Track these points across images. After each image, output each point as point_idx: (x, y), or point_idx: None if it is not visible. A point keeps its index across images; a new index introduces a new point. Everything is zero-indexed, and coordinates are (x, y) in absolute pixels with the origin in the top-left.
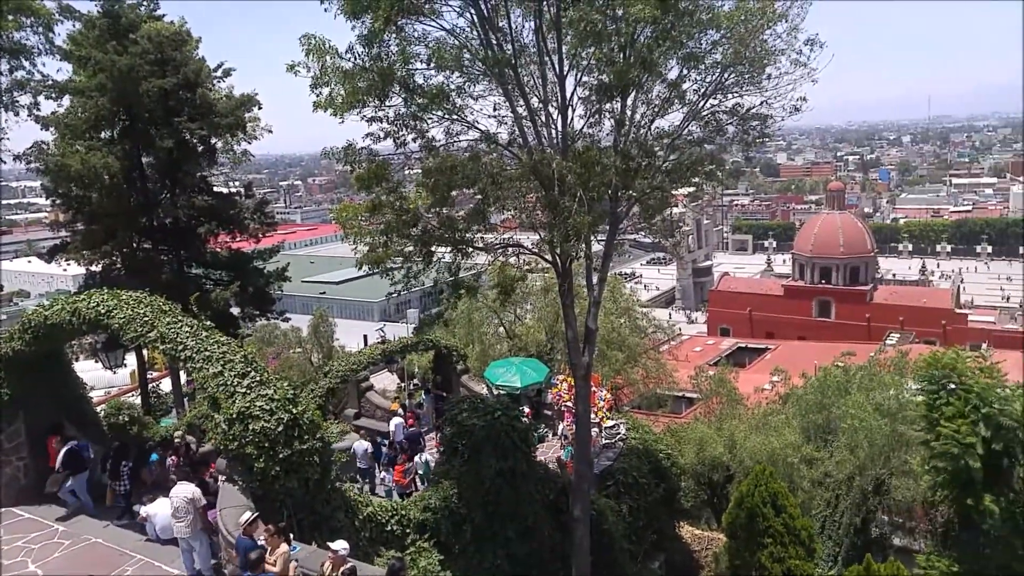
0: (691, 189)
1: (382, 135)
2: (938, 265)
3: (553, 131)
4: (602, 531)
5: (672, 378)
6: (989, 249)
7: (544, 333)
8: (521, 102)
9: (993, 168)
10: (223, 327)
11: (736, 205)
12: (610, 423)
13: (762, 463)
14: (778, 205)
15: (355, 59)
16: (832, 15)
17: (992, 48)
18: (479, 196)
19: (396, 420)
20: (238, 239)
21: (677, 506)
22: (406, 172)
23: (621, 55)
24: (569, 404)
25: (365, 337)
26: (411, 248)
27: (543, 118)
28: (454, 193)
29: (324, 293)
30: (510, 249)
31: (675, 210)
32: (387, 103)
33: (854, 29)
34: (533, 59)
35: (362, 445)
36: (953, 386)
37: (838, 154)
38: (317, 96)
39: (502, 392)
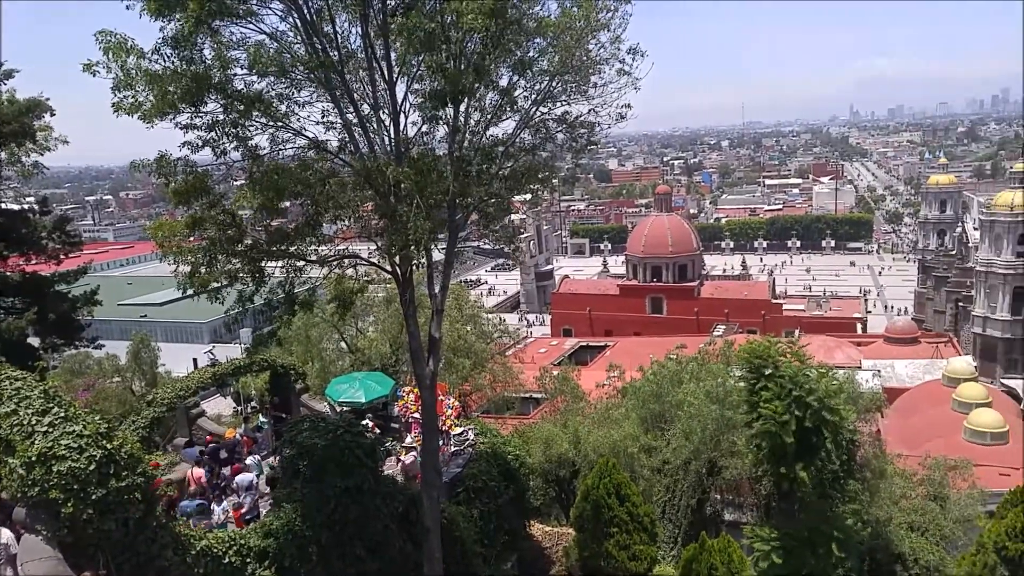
0: (528, 196)
1: (200, 144)
2: (761, 259)
3: (386, 138)
4: (453, 538)
5: (519, 381)
6: (798, 244)
7: (388, 345)
8: (350, 108)
9: (798, 170)
10: (18, 360)
11: (573, 210)
12: (458, 430)
13: (605, 456)
14: (611, 209)
15: (165, 61)
16: (646, 26)
17: (796, 62)
18: (310, 206)
19: (244, 476)
20: (34, 261)
21: (527, 506)
22: (231, 184)
23: (452, 62)
24: (417, 415)
25: (195, 361)
26: (238, 265)
27: (375, 125)
28: (285, 204)
29: (145, 316)
30: (347, 260)
31: (514, 216)
32: (203, 109)
33: (674, 39)
34: (362, 65)
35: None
36: (769, 371)
37: (665, 159)
38: (120, 100)
39: (346, 409)
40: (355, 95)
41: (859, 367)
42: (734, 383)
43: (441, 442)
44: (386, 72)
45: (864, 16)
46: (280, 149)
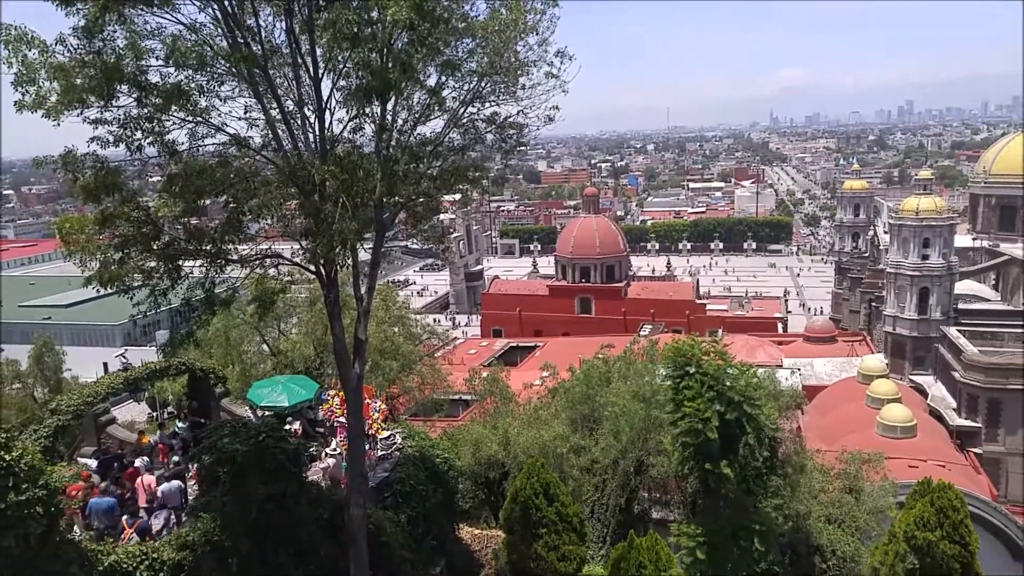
0: (458, 195)
1: (111, 139)
2: (688, 261)
3: (311, 135)
4: (381, 543)
5: (448, 382)
6: (721, 245)
7: (312, 347)
8: (274, 104)
9: (721, 173)
10: None
11: (503, 211)
12: (385, 434)
13: (534, 456)
14: (541, 210)
15: (71, 52)
16: (574, 28)
17: (719, 67)
18: (232, 204)
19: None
20: None
21: (456, 509)
22: (147, 180)
23: (379, 59)
24: (342, 419)
25: (105, 365)
26: (154, 263)
27: (299, 121)
28: (205, 201)
29: (49, 318)
30: (269, 260)
31: (444, 216)
32: (115, 103)
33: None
34: (286, 60)
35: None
36: (693, 369)
37: (592, 161)
38: (23, 95)
39: (268, 413)
40: (279, 91)
41: (780, 365)
42: (660, 382)
43: (368, 446)
44: (311, 68)
45: (786, 24)
46: (200, 145)
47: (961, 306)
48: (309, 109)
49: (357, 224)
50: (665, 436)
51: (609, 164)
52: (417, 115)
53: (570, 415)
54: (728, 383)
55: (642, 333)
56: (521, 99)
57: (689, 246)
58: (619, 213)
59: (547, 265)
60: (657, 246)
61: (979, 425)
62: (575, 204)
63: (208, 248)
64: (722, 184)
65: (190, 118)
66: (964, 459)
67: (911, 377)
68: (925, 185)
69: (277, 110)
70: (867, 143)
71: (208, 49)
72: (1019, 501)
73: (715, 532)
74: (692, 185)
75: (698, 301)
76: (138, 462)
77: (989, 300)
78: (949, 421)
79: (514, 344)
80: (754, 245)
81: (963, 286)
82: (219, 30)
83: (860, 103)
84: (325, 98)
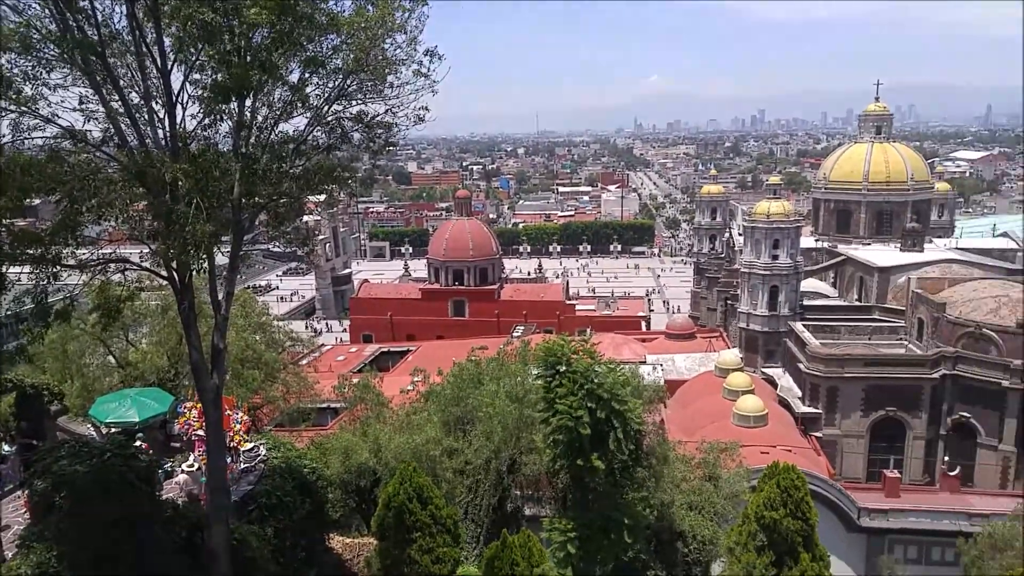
0: (323, 196)
1: None
2: (561, 263)
3: (160, 131)
4: (246, 559)
5: (315, 391)
6: (589, 248)
7: (166, 358)
8: (115, 96)
9: (588, 178)
10: None
11: (372, 212)
12: (248, 446)
13: (407, 461)
14: (412, 212)
15: None
16: (444, 29)
17: (588, 75)
18: (67, 204)
19: None
20: None
21: (326, 519)
22: None
23: (237, 55)
24: (201, 432)
25: None
26: None
27: (146, 116)
28: (34, 200)
29: None
30: (113, 265)
31: (308, 218)
32: None
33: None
34: (129, 48)
35: None
36: (563, 368)
37: (464, 163)
38: None
39: (115, 430)
40: (121, 81)
41: (643, 362)
42: (532, 381)
43: (230, 459)
44: (159, 59)
45: (651, 34)
46: (26, 137)
47: (806, 302)
48: (157, 103)
49: (213, 226)
50: (537, 434)
51: (481, 167)
52: (279, 112)
53: (442, 418)
54: (597, 381)
55: (515, 334)
56: (389, 98)
57: (559, 248)
58: (491, 216)
59: (419, 268)
60: (529, 248)
61: (820, 411)
62: (447, 206)
63: (37, 252)
64: (590, 188)
65: (12, 107)
66: (807, 443)
67: (763, 369)
68: (775, 190)
69: (119, 102)
70: (724, 149)
71: (34, 32)
72: (852, 478)
73: (585, 526)
74: (561, 189)
75: (568, 302)
76: None
77: (828, 297)
78: (795, 409)
79: (386, 349)
80: (619, 247)
81: (807, 284)
82: (47, 11)
83: (717, 111)
84: (176, 91)
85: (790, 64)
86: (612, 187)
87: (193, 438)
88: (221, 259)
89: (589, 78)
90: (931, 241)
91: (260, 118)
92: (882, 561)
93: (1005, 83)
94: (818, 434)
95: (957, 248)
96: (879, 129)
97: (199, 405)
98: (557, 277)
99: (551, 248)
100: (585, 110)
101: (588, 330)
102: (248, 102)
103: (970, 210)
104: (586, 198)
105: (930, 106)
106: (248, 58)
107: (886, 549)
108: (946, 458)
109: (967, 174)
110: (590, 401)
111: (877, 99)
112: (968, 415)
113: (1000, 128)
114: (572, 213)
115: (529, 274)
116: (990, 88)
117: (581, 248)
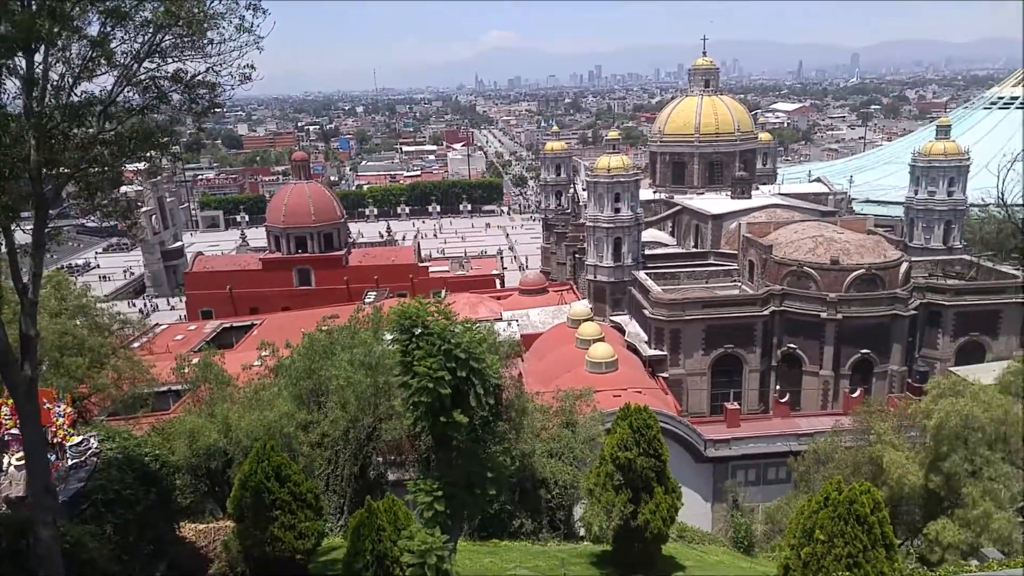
0: (144, 164)
1: None
2: (414, 224)
3: None
4: (83, 561)
5: (151, 374)
6: (438, 208)
7: None
8: None
9: (432, 136)
10: None
11: (202, 180)
12: (76, 440)
13: (260, 439)
14: (245, 178)
15: None
16: None
17: (426, 30)
18: None
19: None
20: None
21: (174, 507)
22: None
23: (20, 2)
24: (15, 431)
25: None
26: None
27: None
28: None
29: None
30: None
31: (128, 188)
32: None
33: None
34: None
35: None
36: (420, 331)
37: (299, 124)
38: None
39: None
40: None
41: (500, 318)
42: (387, 347)
43: (54, 456)
44: None
45: None
46: None
47: (647, 252)
48: None
49: (7, 199)
50: (396, 400)
51: (318, 127)
52: (78, 69)
53: (294, 392)
54: (454, 341)
55: (367, 300)
56: (210, 55)
57: (408, 210)
58: (333, 178)
59: (258, 237)
60: (376, 211)
61: (665, 353)
62: (284, 170)
63: None
64: (434, 147)
65: None
66: (655, 383)
67: (611, 318)
68: (614, 145)
69: None
70: (564, 106)
71: None
72: (698, 412)
73: (450, 483)
74: (405, 148)
75: (420, 264)
76: None
77: (667, 245)
78: (643, 352)
79: (227, 325)
80: (469, 207)
81: (648, 234)
82: None
83: (556, 67)
84: None
85: (624, 20)
86: (458, 146)
87: (6, 438)
88: (23, 237)
89: (427, 34)
90: (757, 188)
91: (56, 76)
92: (726, 486)
93: (815, 40)
94: (665, 374)
95: (780, 194)
96: (707, 83)
97: (10, 401)
98: (407, 240)
99: (399, 210)
100: (424, 67)
101: (443, 291)
102: (38, 57)
103: (788, 158)
104: (432, 157)
105: (751, 61)
106: (34, 6)
107: (730, 474)
108: (777, 387)
109: (785, 124)
110: (449, 361)
111: (704, 54)
112: (794, 346)
113: (810, 82)
114: (419, 173)
115: (381, 236)
116: (802, 44)
117: (431, 209)
